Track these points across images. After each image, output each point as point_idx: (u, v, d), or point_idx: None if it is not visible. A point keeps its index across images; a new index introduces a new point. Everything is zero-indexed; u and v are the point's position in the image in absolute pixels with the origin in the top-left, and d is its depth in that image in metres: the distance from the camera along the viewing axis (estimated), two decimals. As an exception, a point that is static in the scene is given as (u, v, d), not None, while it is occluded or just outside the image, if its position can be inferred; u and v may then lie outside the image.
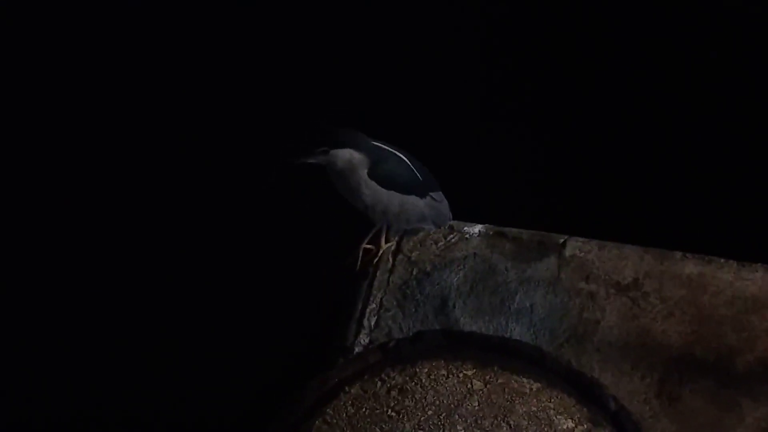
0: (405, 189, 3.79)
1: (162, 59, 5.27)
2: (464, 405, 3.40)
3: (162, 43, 5.30)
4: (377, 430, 3.36)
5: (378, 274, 3.89)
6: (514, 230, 3.97)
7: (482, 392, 3.42)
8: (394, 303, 3.83)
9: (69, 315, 4.59)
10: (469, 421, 3.37)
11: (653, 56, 5.20)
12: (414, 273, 3.90)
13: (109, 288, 4.64)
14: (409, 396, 3.42)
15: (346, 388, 3.45)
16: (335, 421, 3.38)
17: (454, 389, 3.43)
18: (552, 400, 3.42)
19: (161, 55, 5.27)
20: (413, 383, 3.44)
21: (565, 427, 3.37)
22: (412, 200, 3.82)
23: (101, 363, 4.47)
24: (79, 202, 4.88)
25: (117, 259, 4.73)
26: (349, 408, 3.41)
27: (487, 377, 3.45)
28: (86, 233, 4.79)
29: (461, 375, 3.45)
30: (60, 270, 4.69)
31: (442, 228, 3.97)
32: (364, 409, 3.40)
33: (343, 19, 5.34)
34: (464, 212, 3.99)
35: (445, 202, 3.90)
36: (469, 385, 3.43)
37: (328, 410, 3.40)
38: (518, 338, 3.67)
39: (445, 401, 3.40)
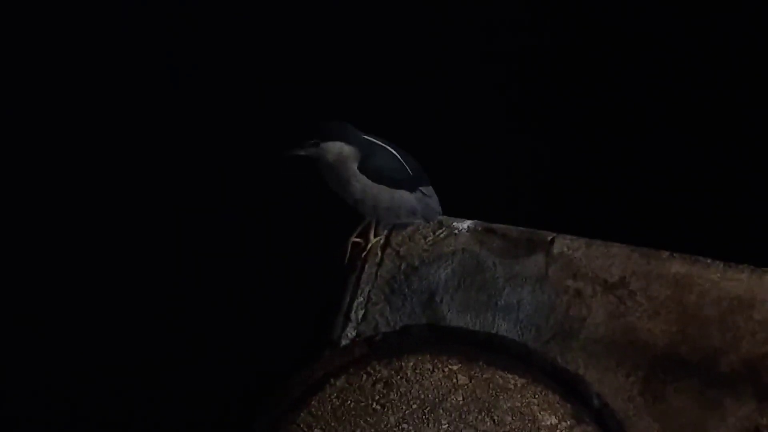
0: (395, 183, 3.79)
1: (162, 60, 5.27)
2: (449, 399, 3.41)
3: (162, 45, 5.30)
4: (362, 422, 3.37)
5: (366, 267, 3.90)
6: (503, 227, 3.98)
7: (467, 387, 3.43)
8: (382, 297, 3.84)
9: (57, 310, 4.61)
10: (453, 415, 3.38)
11: (641, 55, 5.21)
12: (402, 267, 3.90)
13: (95, 282, 4.66)
14: (394, 389, 3.42)
15: (332, 381, 3.46)
16: (320, 413, 3.39)
17: (439, 383, 3.44)
18: (536, 396, 3.43)
19: (161, 56, 5.28)
20: (399, 377, 3.45)
21: (548, 423, 3.38)
22: (402, 194, 3.82)
23: (83, 360, 4.49)
24: (71, 198, 4.89)
25: (106, 254, 4.74)
26: (334, 400, 3.42)
27: (473, 372, 3.46)
28: (70, 227, 4.80)
29: (446, 369, 3.46)
30: (50, 267, 4.70)
31: (431, 223, 3.98)
32: (349, 402, 3.41)
33: (341, 17, 5.35)
34: (454, 207, 3.99)
35: (435, 197, 3.90)
36: (454, 380, 3.44)
37: (313, 402, 3.41)
38: (504, 334, 3.68)
39: (429, 395, 3.41)
